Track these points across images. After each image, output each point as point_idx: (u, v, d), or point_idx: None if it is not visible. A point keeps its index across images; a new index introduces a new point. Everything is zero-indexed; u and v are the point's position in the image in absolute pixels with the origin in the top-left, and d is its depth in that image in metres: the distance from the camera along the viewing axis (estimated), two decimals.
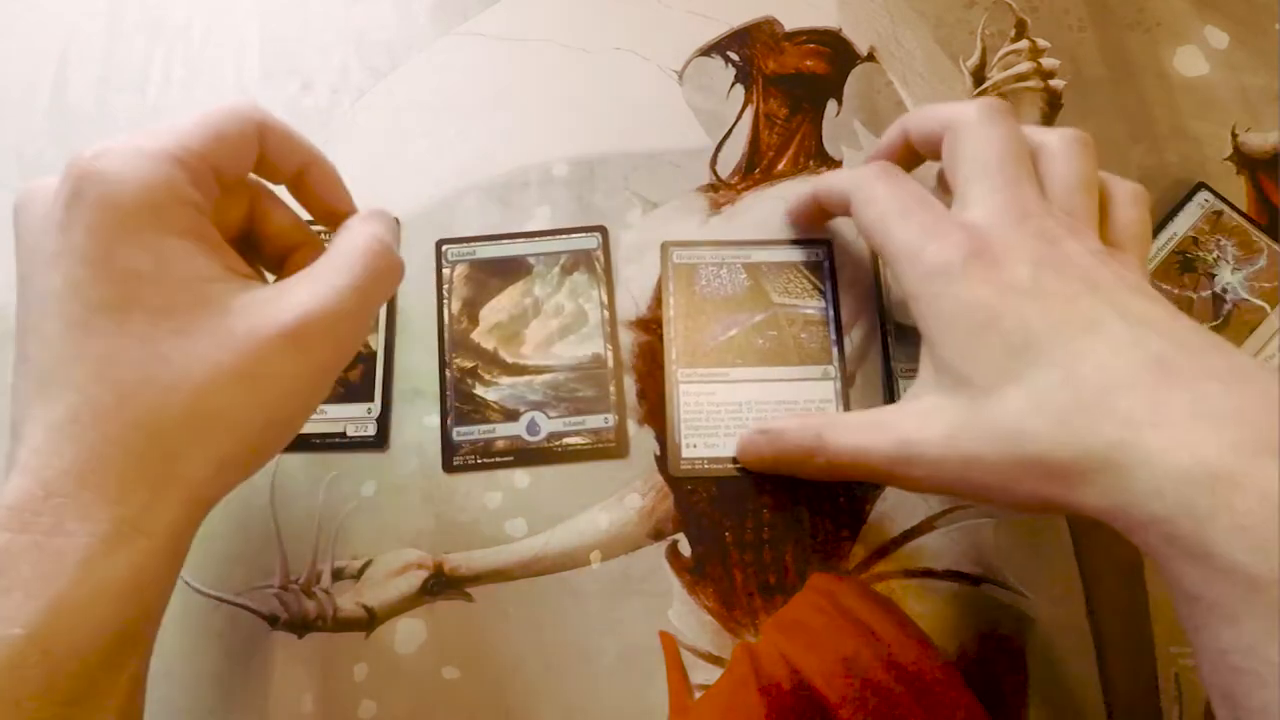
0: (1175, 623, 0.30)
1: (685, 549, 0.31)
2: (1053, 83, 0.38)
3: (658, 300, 0.34)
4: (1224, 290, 0.35)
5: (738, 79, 0.38)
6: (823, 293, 0.34)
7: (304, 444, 0.31)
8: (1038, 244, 0.24)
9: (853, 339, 0.33)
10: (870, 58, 0.38)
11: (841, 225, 0.35)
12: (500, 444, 0.32)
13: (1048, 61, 0.38)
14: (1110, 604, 0.31)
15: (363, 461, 0.31)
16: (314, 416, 0.31)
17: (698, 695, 0.29)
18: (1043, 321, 0.23)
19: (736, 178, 0.36)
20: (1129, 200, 0.27)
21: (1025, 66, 0.38)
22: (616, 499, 0.31)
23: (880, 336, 0.34)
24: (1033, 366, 0.23)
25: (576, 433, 0.32)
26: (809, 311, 0.33)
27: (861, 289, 0.34)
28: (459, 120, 0.37)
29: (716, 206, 0.35)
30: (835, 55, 0.38)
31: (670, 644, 0.30)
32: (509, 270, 0.34)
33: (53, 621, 0.18)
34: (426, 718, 0.29)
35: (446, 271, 0.34)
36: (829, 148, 0.37)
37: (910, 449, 0.25)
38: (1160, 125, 0.37)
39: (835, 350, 0.33)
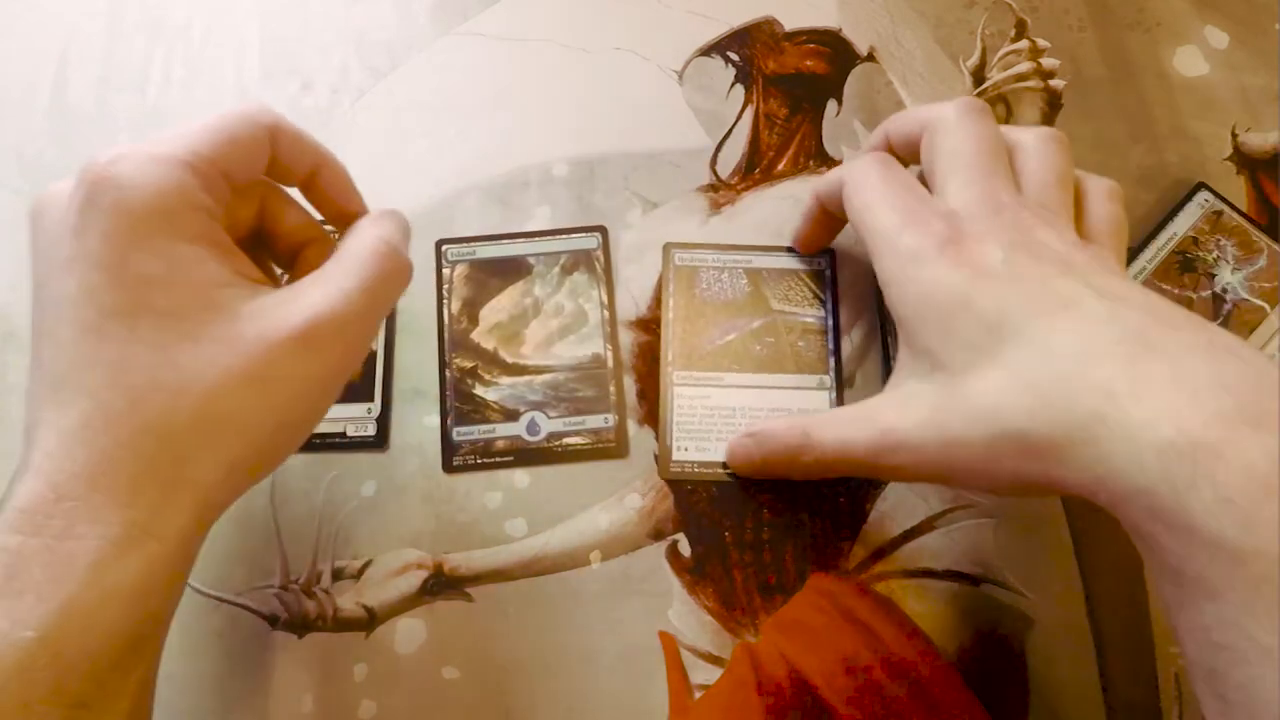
0: None
1: (685, 549, 0.31)
2: (1053, 83, 0.38)
3: (658, 300, 0.34)
4: (1224, 290, 0.35)
5: (738, 79, 0.38)
6: (823, 302, 0.34)
7: (304, 444, 0.31)
8: (1011, 232, 0.24)
9: (852, 339, 0.33)
10: (870, 58, 0.38)
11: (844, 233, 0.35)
12: (500, 444, 0.32)
13: (1048, 61, 0.38)
14: (1110, 604, 0.31)
15: (363, 461, 0.31)
16: None
17: (698, 695, 0.29)
18: (1016, 301, 0.23)
19: (736, 178, 0.36)
20: (1104, 196, 0.28)
21: (1025, 66, 0.38)
22: (616, 499, 0.31)
23: (880, 337, 0.34)
24: (1007, 344, 0.23)
25: (576, 433, 0.32)
26: (808, 320, 0.33)
27: (862, 289, 0.34)
28: (459, 120, 0.37)
29: (716, 206, 0.35)
30: (835, 55, 0.38)
31: (670, 644, 0.30)
32: (509, 270, 0.34)
33: (63, 624, 0.19)
34: (426, 718, 0.29)
35: (446, 271, 0.34)
36: (829, 148, 0.37)
37: (892, 436, 0.25)
38: (1160, 125, 0.37)
39: (832, 360, 0.33)
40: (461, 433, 0.32)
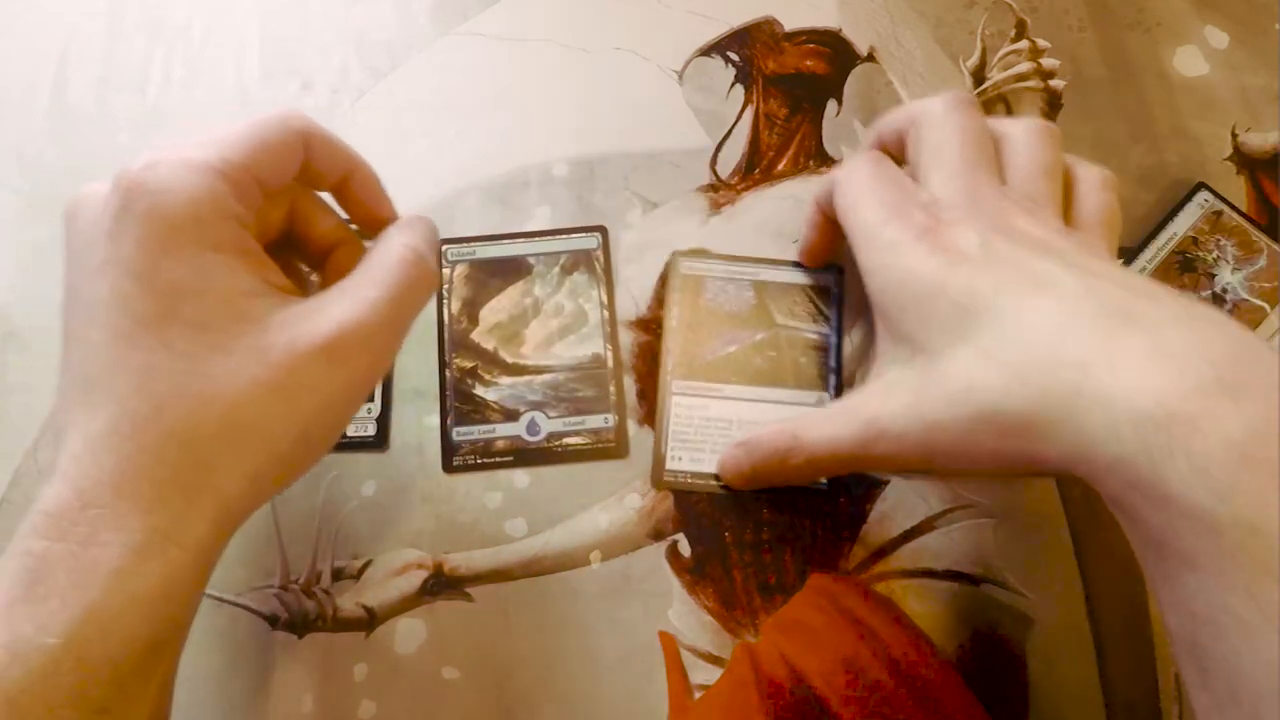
0: None
1: (685, 549, 0.31)
2: (1053, 83, 0.38)
3: (658, 300, 0.34)
4: (1224, 290, 0.35)
5: (738, 79, 0.38)
6: (828, 319, 0.33)
7: None
8: (990, 219, 0.25)
9: (853, 339, 0.33)
10: (870, 58, 0.38)
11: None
12: (500, 444, 0.32)
13: (1048, 61, 0.38)
14: (1110, 604, 0.31)
15: (363, 461, 0.31)
16: None
17: (698, 695, 0.29)
18: (991, 282, 0.23)
19: (736, 178, 0.36)
20: (1096, 185, 0.27)
21: (1025, 66, 0.38)
22: (616, 499, 0.31)
23: None
24: (981, 324, 0.23)
25: (576, 433, 0.32)
26: (811, 336, 0.33)
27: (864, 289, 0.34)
28: (459, 120, 0.37)
29: (716, 206, 0.35)
30: (835, 55, 0.38)
31: (670, 644, 0.30)
32: (509, 270, 0.34)
33: (87, 630, 0.19)
34: (426, 718, 0.29)
35: (446, 271, 0.34)
36: (829, 148, 0.37)
37: (876, 425, 0.25)
38: (1160, 125, 0.37)
39: (832, 378, 0.32)
40: (461, 433, 0.32)
